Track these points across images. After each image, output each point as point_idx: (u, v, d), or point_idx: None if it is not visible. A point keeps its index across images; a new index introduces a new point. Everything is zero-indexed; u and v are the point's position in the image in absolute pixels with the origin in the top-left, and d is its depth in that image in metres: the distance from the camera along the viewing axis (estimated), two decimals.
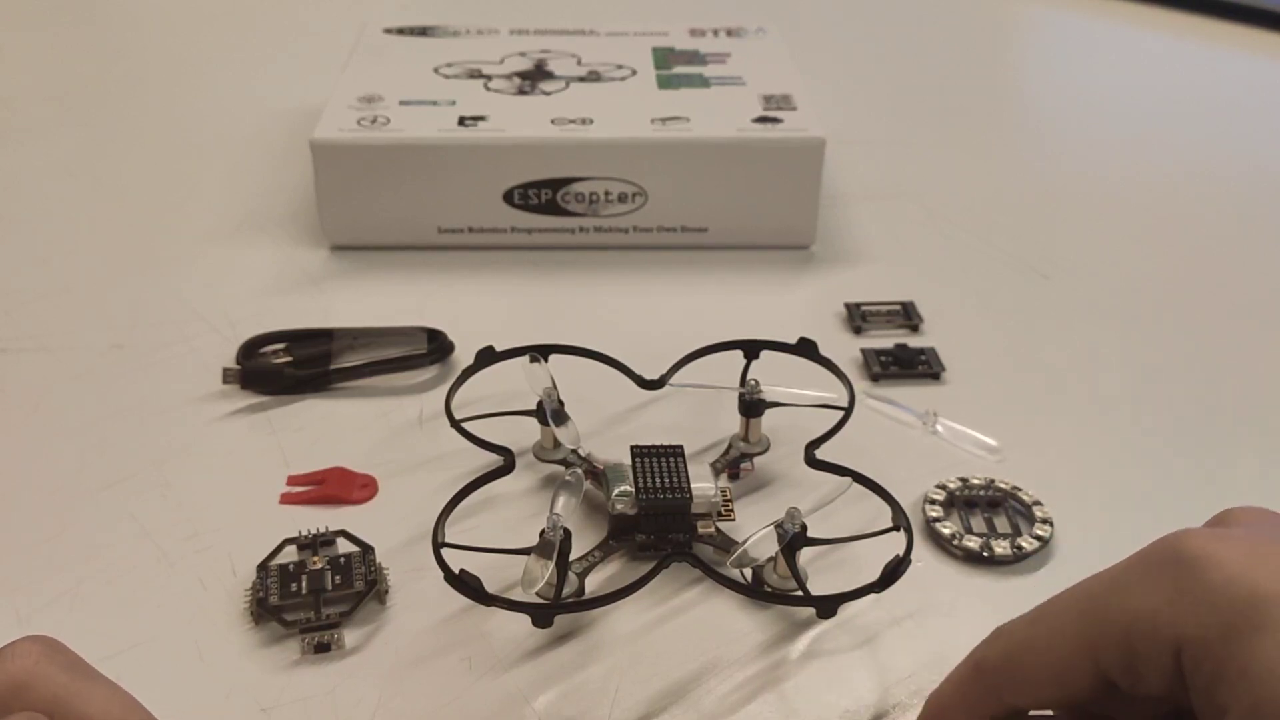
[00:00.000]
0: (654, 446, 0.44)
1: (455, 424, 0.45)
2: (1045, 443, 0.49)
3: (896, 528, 0.40)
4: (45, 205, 0.68)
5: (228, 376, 0.51)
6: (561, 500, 0.40)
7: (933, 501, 0.45)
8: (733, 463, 0.46)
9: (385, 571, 0.41)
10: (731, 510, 0.43)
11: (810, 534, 0.39)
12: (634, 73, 0.68)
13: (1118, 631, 0.25)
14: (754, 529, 0.39)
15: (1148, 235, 0.66)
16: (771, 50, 0.72)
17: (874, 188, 0.71)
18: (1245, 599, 0.23)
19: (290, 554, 0.42)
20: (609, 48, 0.72)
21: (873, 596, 0.38)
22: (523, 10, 0.77)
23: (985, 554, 0.42)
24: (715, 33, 0.74)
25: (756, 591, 0.40)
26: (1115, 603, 0.25)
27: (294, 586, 0.40)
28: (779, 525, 0.39)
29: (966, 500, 0.45)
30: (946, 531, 0.43)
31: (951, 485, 0.45)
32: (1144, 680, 0.25)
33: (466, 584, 0.37)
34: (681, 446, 0.44)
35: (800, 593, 0.39)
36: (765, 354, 0.48)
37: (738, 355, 0.48)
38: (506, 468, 0.44)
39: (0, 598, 0.41)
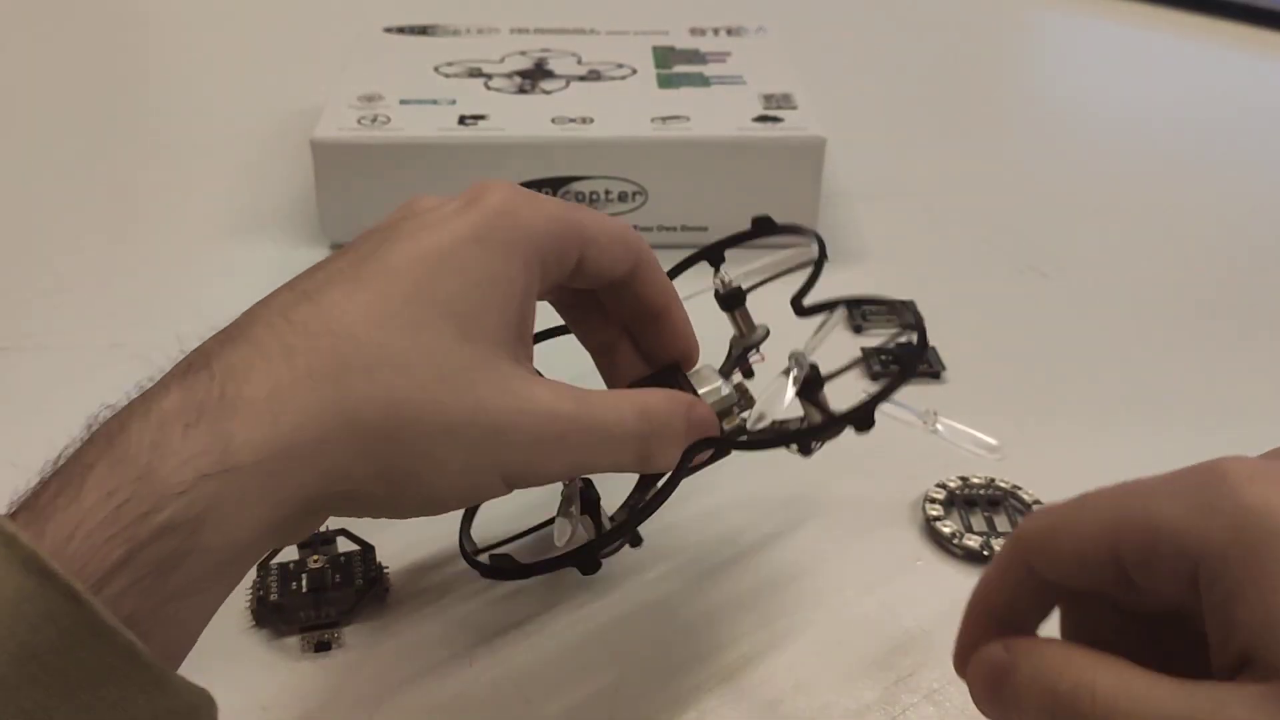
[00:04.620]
0: (647, 378, 0.40)
1: None
2: (1045, 442, 0.49)
3: (908, 326, 0.38)
4: (45, 205, 0.68)
5: None
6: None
7: (933, 500, 0.44)
8: (739, 360, 0.43)
9: (385, 570, 0.41)
10: (753, 398, 0.40)
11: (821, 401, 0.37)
12: (634, 72, 0.68)
13: (1143, 531, 0.26)
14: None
15: (1147, 234, 0.66)
16: (772, 49, 0.72)
17: (874, 187, 0.71)
18: (1271, 523, 0.24)
19: (290, 552, 0.42)
20: (609, 47, 0.72)
21: (873, 596, 0.38)
22: (523, 9, 0.77)
23: (986, 553, 0.42)
24: (715, 32, 0.74)
25: (795, 435, 0.37)
26: (1148, 505, 0.26)
27: (294, 585, 0.40)
28: (786, 371, 0.37)
29: (967, 499, 0.45)
30: (947, 530, 0.43)
31: (952, 484, 0.45)
32: (1157, 582, 0.26)
33: (502, 568, 0.36)
34: (676, 363, 0.40)
35: (833, 422, 0.36)
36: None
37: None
38: None
39: None
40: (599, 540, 0.36)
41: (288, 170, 0.70)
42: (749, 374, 0.43)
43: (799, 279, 0.42)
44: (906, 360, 0.36)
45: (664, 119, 0.62)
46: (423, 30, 0.74)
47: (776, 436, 0.37)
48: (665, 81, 0.67)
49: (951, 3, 1.05)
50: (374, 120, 0.61)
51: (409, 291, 0.30)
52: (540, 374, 0.34)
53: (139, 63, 0.89)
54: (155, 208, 0.67)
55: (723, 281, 0.42)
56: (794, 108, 0.63)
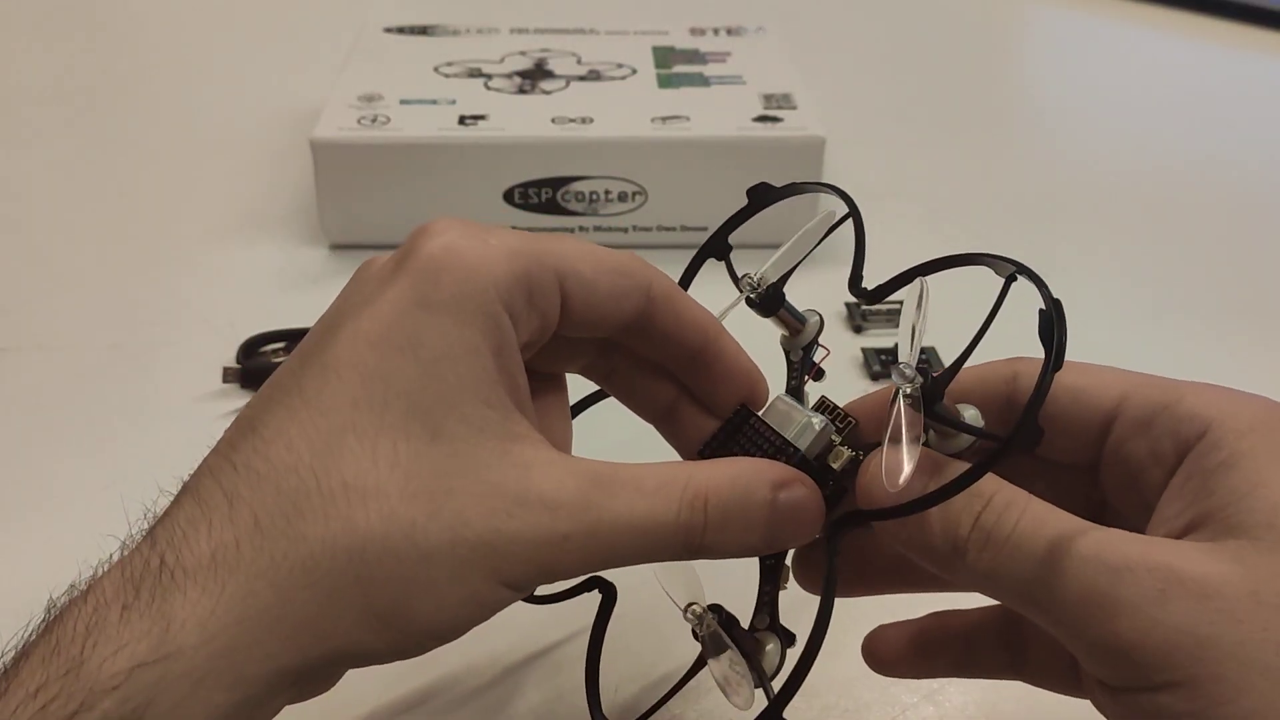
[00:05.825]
0: (715, 434, 0.33)
1: None
2: None
3: (1014, 276, 0.30)
4: (45, 205, 0.68)
5: (228, 376, 0.51)
6: (677, 580, 0.32)
7: None
8: (803, 366, 0.35)
9: None
10: (848, 416, 0.33)
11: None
12: (634, 72, 0.68)
13: (1165, 393, 0.30)
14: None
15: (1149, 235, 0.66)
16: (771, 49, 0.72)
17: (874, 187, 0.70)
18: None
19: None
20: (609, 47, 0.72)
21: (871, 598, 0.38)
22: (523, 9, 0.77)
23: None
24: (715, 31, 0.74)
25: (961, 481, 0.26)
26: (1178, 382, 0.30)
27: None
28: (898, 394, 0.28)
29: None
30: None
31: None
32: (1125, 442, 0.30)
33: None
34: (743, 407, 0.33)
35: (1001, 447, 0.26)
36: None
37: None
38: (608, 601, 0.37)
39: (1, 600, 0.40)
40: (780, 698, 0.30)
41: (288, 170, 0.70)
42: (820, 375, 0.35)
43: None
44: (1054, 344, 0.29)
45: (664, 119, 0.62)
46: (423, 30, 0.74)
47: (942, 489, 0.26)
48: (665, 81, 0.67)
49: (951, 2, 1.05)
50: (374, 120, 0.61)
51: (356, 394, 0.26)
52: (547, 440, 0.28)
53: (139, 62, 0.89)
54: (155, 208, 0.67)
55: (752, 285, 0.35)
56: (794, 108, 0.63)
